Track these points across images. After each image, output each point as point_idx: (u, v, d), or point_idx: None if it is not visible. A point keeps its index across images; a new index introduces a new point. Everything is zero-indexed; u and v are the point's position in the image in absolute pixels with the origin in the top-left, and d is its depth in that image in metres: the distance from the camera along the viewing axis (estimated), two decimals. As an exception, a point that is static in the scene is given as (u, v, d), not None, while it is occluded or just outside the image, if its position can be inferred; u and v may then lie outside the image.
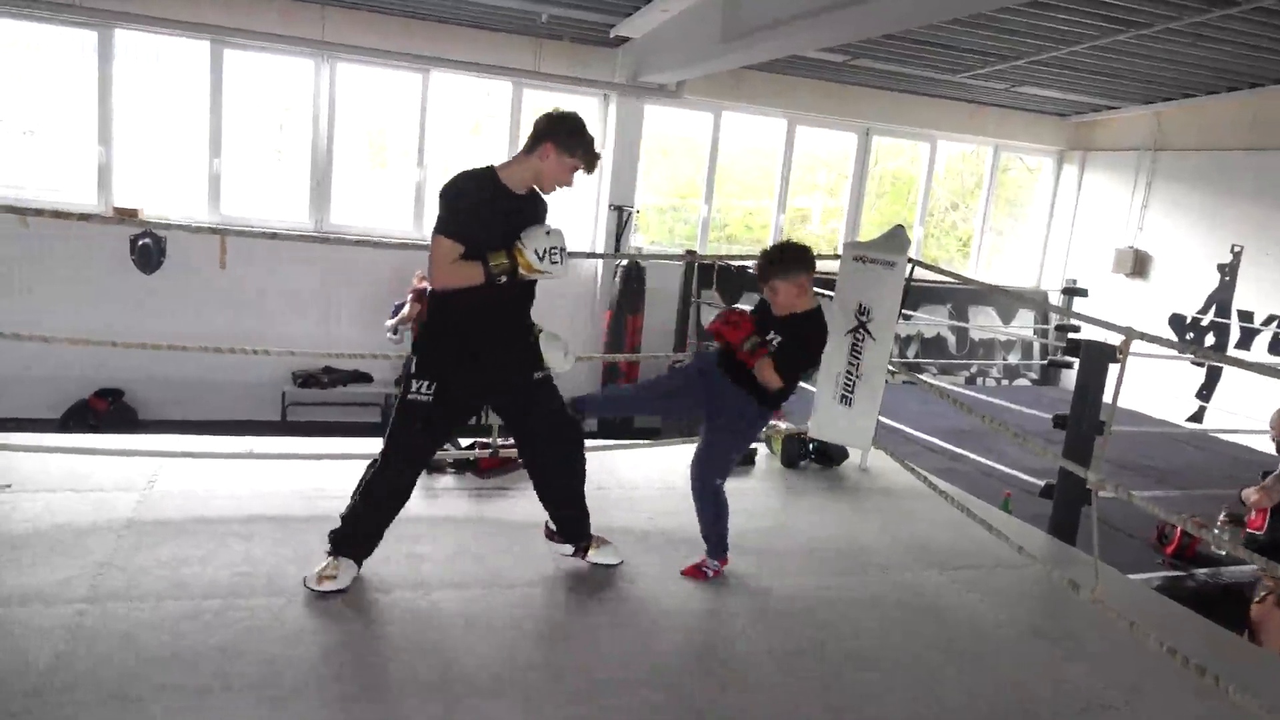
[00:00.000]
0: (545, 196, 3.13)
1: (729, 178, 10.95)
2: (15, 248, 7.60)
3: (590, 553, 3.41)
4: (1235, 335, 9.29)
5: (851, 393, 3.86)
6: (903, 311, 3.95)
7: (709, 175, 10.12)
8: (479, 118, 9.71)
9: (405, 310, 8.12)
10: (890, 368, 3.98)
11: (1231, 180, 9.41)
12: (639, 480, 4.50)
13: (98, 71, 8.01)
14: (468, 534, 3.65)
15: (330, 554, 3.08)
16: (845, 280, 3.85)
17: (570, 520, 3.39)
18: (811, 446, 4.89)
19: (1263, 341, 9.03)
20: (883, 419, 5.20)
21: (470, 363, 3.06)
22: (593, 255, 9.43)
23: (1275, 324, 8.95)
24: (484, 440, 4.34)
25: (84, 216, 5.46)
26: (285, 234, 6.36)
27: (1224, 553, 4.97)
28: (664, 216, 10.97)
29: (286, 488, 3.89)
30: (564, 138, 2.99)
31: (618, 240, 9.29)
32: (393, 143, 9.49)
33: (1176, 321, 9.84)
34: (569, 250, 3.08)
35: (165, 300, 8.08)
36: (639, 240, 9.87)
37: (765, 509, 4.33)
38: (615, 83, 9.10)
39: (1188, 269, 9.78)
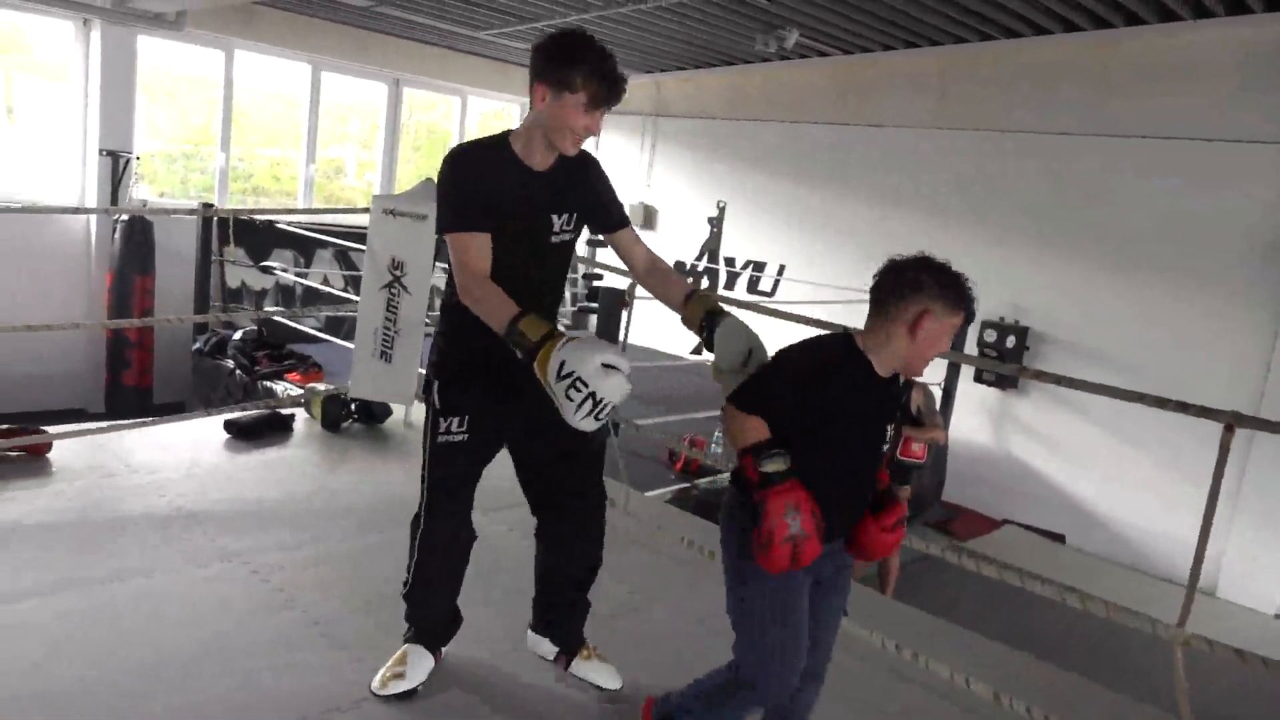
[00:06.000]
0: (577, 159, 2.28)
1: (251, 124, 10.05)
2: None
3: (577, 664, 2.61)
4: (723, 278, 10.94)
5: (391, 348, 3.84)
6: (437, 263, 3.99)
7: (225, 120, 9.20)
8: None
9: None
10: (428, 321, 4.00)
11: (717, 144, 10.98)
12: (160, 463, 4.01)
13: None
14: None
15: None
16: (376, 235, 3.79)
17: (563, 610, 2.64)
18: (354, 406, 4.76)
19: (743, 282, 10.77)
20: (425, 372, 5.27)
21: (497, 385, 2.31)
22: (81, 210, 8.08)
23: (752, 267, 10.70)
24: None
25: None
26: None
27: (718, 466, 5.87)
28: (174, 165, 9.77)
29: None
30: (553, 68, 2.08)
31: (114, 192, 8.04)
32: None
33: (679, 267, 11.30)
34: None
35: None
36: (144, 192, 8.65)
37: (304, 475, 4.13)
38: (97, 6, 7.78)
39: (687, 221, 11.25)
